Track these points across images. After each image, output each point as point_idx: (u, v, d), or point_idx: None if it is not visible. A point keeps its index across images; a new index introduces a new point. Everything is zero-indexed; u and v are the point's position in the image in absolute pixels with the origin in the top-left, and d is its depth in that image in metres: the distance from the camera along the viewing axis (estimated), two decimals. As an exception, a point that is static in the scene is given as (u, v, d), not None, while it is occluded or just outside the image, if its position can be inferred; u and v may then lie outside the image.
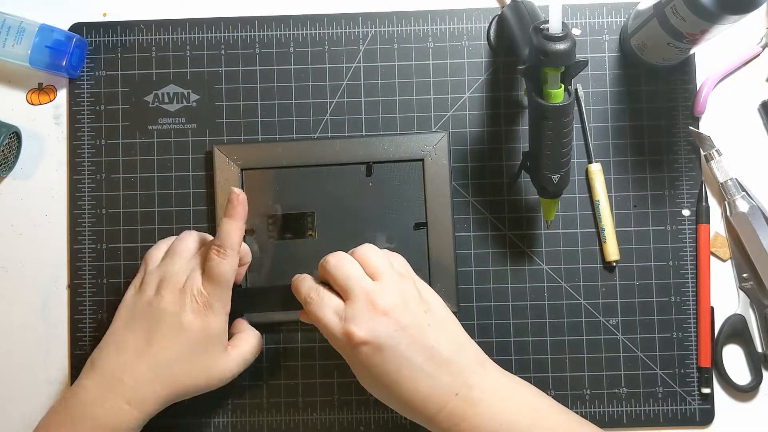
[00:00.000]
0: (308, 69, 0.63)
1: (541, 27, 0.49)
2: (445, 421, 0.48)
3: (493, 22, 0.62)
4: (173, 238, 0.58)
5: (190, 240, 0.56)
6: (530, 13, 0.57)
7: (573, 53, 0.49)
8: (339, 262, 0.50)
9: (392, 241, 0.60)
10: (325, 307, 0.50)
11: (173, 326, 0.52)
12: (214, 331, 0.53)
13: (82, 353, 0.60)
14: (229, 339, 0.55)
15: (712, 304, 0.60)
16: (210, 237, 0.57)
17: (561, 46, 0.48)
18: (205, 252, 0.54)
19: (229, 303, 0.54)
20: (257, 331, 0.58)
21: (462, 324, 0.60)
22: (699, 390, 0.59)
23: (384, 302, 0.48)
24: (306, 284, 0.52)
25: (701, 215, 0.60)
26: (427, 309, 0.50)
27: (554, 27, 0.48)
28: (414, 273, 0.53)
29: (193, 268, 0.54)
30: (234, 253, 0.53)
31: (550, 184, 0.54)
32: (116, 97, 0.63)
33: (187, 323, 0.52)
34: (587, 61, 0.50)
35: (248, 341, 0.56)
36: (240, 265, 0.56)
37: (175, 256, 0.55)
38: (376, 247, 0.52)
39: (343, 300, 0.50)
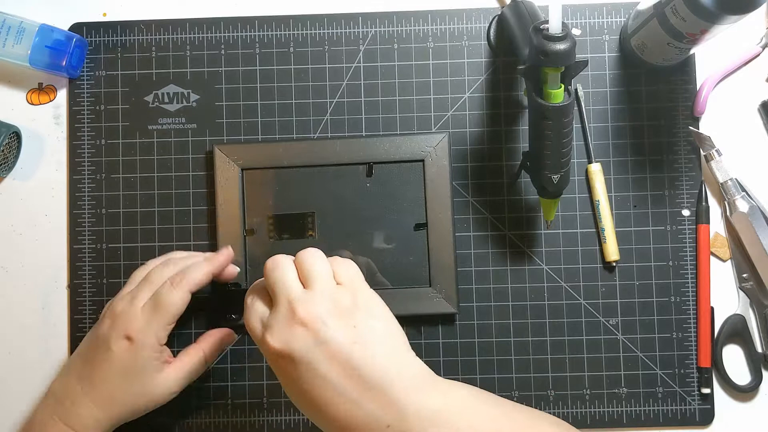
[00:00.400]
0: (308, 69, 0.63)
1: (541, 27, 0.49)
2: None
3: (493, 22, 0.62)
4: (160, 258, 0.58)
5: (146, 268, 0.56)
6: (530, 13, 0.57)
7: (573, 53, 0.49)
8: (273, 266, 0.46)
9: (392, 241, 0.60)
10: (253, 313, 0.45)
11: (104, 350, 0.52)
12: (140, 359, 0.52)
13: (82, 353, 0.60)
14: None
15: (712, 305, 0.60)
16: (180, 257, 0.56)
17: (561, 46, 0.48)
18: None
19: (166, 333, 0.53)
20: (201, 346, 0.56)
21: (462, 324, 0.60)
22: (699, 390, 0.59)
23: (304, 312, 0.43)
24: (250, 289, 0.48)
25: (701, 215, 0.60)
26: (359, 324, 0.43)
27: (554, 27, 0.48)
28: (363, 284, 0.46)
29: (134, 295, 0.53)
30: (187, 289, 0.53)
31: (550, 184, 0.54)
32: (116, 97, 0.63)
33: (115, 347, 0.52)
34: (587, 61, 0.50)
35: (190, 359, 0.55)
36: (224, 276, 0.57)
37: (129, 282, 0.56)
38: (320, 252, 0.47)
39: (271, 307, 0.45)
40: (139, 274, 0.56)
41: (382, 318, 0.45)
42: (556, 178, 0.53)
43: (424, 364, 0.45)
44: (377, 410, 0.42)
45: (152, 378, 0.53)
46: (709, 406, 0.60)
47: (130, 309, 0.53)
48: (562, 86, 0.50)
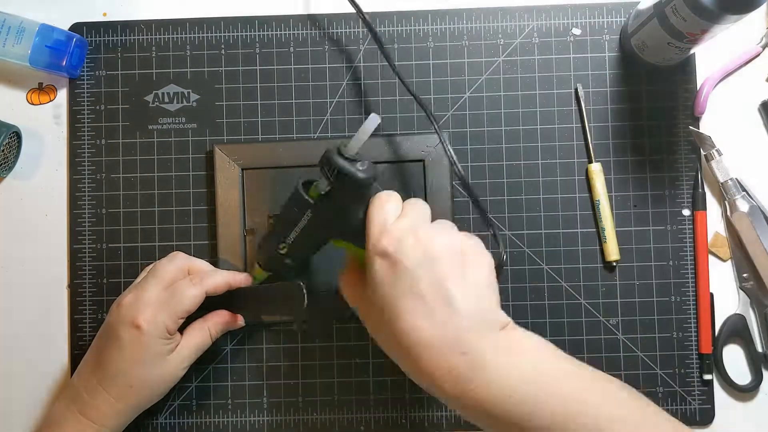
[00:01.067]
0: (308, 69, 0.63)
1: (334, 153, 0.47)
2: (450, 384, 0.43)
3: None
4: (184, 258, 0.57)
5: (164, 262, 0.56)
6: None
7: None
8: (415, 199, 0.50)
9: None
10: (379, 208, 0.48)
11: (114, 340, 0.53)
12: (150, 346, 0.52)
13: (82, 353, 0.60)
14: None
15: (712, 302, 0.60)
16: (195, 265, 0.57)
17: (360, 170, 0.47)
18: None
19: (176, 325, 0.53)
20: (208, 324, 0.56)
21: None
22: (701, 377, 0.59)
23: (429, 232, 0.46)
24: (385, 192, 0.49)
25: (698, 202, 0.60)
26: (468, 265, 0.46)
27: (350, 150, 0.47)
28: (483, 250, 0.48)
29: (142, 286, 0.54)
30: (203, 289, 0.54)
31: (280, 264, 0.53)
32: (116, 97, 0.63)
33: (124, 335, 0.52)
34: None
35: (197, 336, 0.55)
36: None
37: (138, 276, 0.57)
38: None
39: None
40: (144, 271, 0.57)
41: (488, 271, 0.47)
42: (288, 261, 0.53)
43: (510, 319, 0.47)
44: (457, 336, 0.44)
45: (163, 362, 0.53)
46: (709, 406, 0.60)
47: (137, 299, 0.53)
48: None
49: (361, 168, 0.47)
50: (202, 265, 0.57)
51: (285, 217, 0.51)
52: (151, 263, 0.57)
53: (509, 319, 0.46)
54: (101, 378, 0.53)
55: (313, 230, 0.50)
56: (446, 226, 0.48)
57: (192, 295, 0.53)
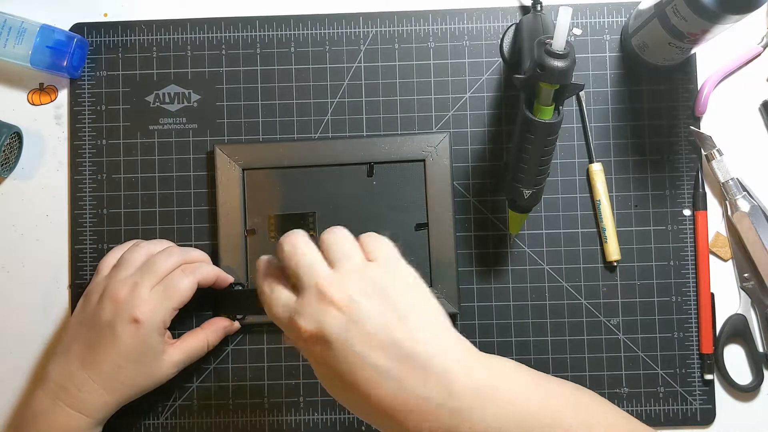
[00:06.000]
0: (309, 69, 0.63)
1: (546, 41, 0.48)
2: None
3: (509, 30, 0.61)
4: (129, 244, 0.58)
5: (139, 251, 0.56)
6: (544, 28, 0.56)
7: (570, 73, 0.48)
8: (292, 249, 0.43)
9: (392, 241, 0.60)
10: (275, 302, 0.43)
11: (110, 335, 0.53)
12: (148, 341, 0.53)
13: (84, 353, 0.60)
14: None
15: (713, 302, 0.60)
16: (191, 257, 0.57)
17: (559, 63, 0.47)
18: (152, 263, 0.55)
19: (171, 317, 0.54)
20: (206, 332, 0.58)
21: (463, 324, 0.60)
22: (702, 377, 0.59)
23: (335, 292, 0.40)
24: (260, 273, 0.45)
25: (698, 202, 0.60)
26: (397, 299, 0.41)
27: (557, 44, 0.47)
28: (397, 258, 0.44)
29: (137, 281, 0.54)
30: (196, 279, 0.55)
31: (520, 197, 0.53)
32: (117, 97, 0.63)
33: (121, 331, 0.52)
34: (583, 85, 0.50)
35: (194, 342, 0.57)
36: (220, 283, 0.58)
37: (122, 266, 0.56)
38: (346, 230, 0.44)
39: (296, 292, 0.43)
40: (134, 258, 0.56)
41: (420, 292, 0.42)
42: (527, 193, 0.53)
43: (465, 339, 0.42)
44: (423, 388, 0.39)
45: (157, 359, 0.54)
46: (710, 406, 0.60)
47: (134, 294, 0.53)
48: (554, 105, 0.50)
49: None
50: (198, 255, 0.58)
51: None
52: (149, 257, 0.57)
53: (464, 339, 0.42)
54: (93, 372, 0.53)
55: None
56: (350, 267, 0.41)
57: (186, 286, 0.54)
